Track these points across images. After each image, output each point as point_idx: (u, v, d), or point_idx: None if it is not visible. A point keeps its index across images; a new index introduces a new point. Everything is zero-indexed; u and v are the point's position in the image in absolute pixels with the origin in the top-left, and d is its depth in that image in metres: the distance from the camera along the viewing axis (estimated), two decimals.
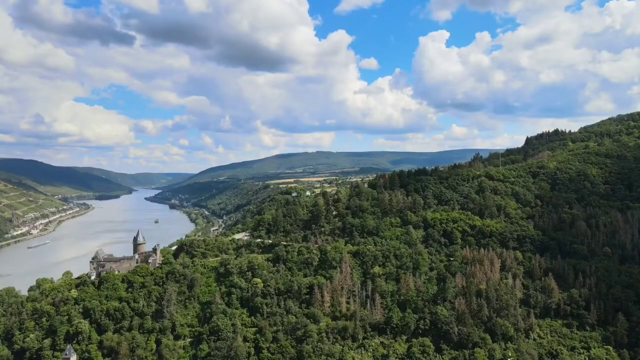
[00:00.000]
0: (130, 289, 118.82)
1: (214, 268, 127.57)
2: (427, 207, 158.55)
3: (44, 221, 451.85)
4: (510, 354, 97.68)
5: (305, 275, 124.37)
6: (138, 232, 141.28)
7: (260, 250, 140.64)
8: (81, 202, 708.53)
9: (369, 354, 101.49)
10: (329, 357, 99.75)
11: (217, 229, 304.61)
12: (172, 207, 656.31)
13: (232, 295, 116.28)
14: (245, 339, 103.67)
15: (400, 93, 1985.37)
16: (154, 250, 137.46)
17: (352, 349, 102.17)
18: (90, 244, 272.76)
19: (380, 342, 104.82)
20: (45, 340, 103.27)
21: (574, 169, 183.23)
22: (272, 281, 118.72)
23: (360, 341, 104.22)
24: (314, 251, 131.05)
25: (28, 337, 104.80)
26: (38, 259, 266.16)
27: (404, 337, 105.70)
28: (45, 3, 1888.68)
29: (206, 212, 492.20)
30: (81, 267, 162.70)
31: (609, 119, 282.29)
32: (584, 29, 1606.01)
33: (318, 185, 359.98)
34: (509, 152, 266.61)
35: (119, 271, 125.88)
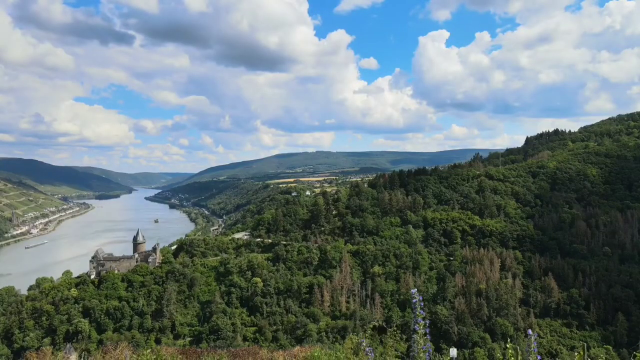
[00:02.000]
0: (130, 288, 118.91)
1: (214, 267, 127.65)
2: (427, 207, 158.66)
3: (43, 220, 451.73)
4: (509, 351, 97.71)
5: (305, 275, 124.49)
6: (138, 232, 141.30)
7: (260, 249, 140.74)
8: (81, 201, 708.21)
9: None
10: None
11: (217, 229, 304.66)
12: (172, 206, 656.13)
13: (232, 295, 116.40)
14: (244, 338, 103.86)
15: (400, 93, 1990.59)
16: (154, 249, 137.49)
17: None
18: (90, 244, 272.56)
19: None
20: (44, 339, 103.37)
21: (573, 169, 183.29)
22: (272, 280, 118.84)
23: None
24: (314, 250, 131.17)
25: (28, 336, 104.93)
26: (38, 259, 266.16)
27: (404, 337, 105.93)
28: (44, 2, 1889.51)
29: (206, 212, 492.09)
30: (81, 267, 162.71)
31: (609, 118, 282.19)
32: (584, 29, 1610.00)
33: (318, 185, 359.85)
34: (509, 151, 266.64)
35: (118, 270, 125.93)
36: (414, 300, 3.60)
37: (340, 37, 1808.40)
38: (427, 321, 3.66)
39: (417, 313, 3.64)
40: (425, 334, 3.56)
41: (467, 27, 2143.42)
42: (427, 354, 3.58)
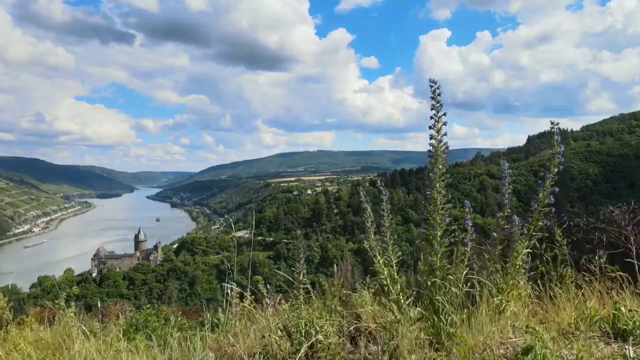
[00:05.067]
0: (131, 286, 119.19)
1: (215, 265, 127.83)
2: None
3: (45, 219, 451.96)
4: None
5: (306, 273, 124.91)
6: (139, 230, 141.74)
7: (262, 247, 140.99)
8: (83, 200, 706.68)
9: None
10: None
11: (218, 227, 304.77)
12: (174, 205, 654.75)
13: (233, 293, 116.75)
14: None
15: (400, 92, 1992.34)
16: (155, 247, 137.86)
17: None
18: (92, 242, 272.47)
19: None
20: None
21: (575, 168, 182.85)
22: (273, 279, 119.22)
23: None
24: (315, 249, 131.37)
25: None
26: (39, 257, 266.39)
27: None
28: (44, 1, 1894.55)
29: (207, 211, 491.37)
30: (83, 265, 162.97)
31: (611, 117, 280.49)
32: (585, 28, 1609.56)
33: (319, 184, 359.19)
34: (511, 150, 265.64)
35: (120, 268, 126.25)
36: (431, 87, 3.41)
37: (340, 36, 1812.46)
38: (446, 113, 3.47)
39: (435, 97, 3.42)
40: (443, 125, 3.39)
41: (467, 27, 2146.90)
42: (446, 146, 3.40)
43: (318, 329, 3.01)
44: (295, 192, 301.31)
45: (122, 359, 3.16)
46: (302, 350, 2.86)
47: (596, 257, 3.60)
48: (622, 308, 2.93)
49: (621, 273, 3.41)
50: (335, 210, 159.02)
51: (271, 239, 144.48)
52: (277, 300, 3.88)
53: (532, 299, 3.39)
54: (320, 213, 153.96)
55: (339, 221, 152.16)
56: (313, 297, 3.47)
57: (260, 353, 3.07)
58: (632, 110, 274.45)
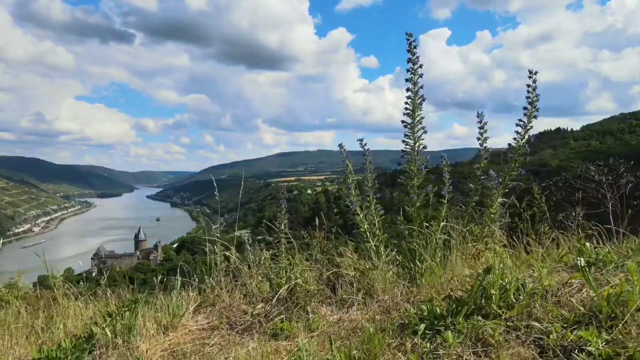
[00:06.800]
0: (131, 286, 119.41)
1: (215, 264, 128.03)
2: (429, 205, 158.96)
3: (45, 219, 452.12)
4: None
5: None
6: (139, 229, 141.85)
7: (260, 248, 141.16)
8: (83, 200, 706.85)
9: None
10: None
11: (218, 227, 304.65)
12: (174, 205, 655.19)
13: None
14: None
15: (400, 92, 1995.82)
16: (155, 247, 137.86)
17: None
18: (92, 241, 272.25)
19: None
20: None
21: (575, 167, 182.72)
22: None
23: None
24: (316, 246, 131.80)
25: None
26: (40, 256, 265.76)
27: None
28: (44, 0, 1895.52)
29: (207, 210, 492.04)
30: (83, 264, 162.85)
31: (611, 117, 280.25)
32: (585, 27, 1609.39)
33: (319, 184, 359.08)
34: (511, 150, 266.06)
35: (120, 268, 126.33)
36: (407, 40, 3.44)
37: (340, 35, 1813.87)
38: (422, 65, 3.49)
39: (411, 50, 3.45)
40: (419, 89, 3.44)
41: (467, 26, 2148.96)
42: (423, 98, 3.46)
43: (298, 275, 3.11)
44: (295, 192, 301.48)
45: (110, 305, 3.26)
46: (280, 292, 2.96)
47: (573, 214, 3.68)
48: (588, 244, 3.06)
49: (599, 226, 3.49)
50: (335, 210, 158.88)
51: (271, 238, 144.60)
52: (262, 254, 3.98)
53: (506, 248, 3.49)
54: (320, 212, 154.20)
55: (339, 221, 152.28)
56: (295, 248, 3.61)
57: (242, 298, 3.17)
58: (632, 110, 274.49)
